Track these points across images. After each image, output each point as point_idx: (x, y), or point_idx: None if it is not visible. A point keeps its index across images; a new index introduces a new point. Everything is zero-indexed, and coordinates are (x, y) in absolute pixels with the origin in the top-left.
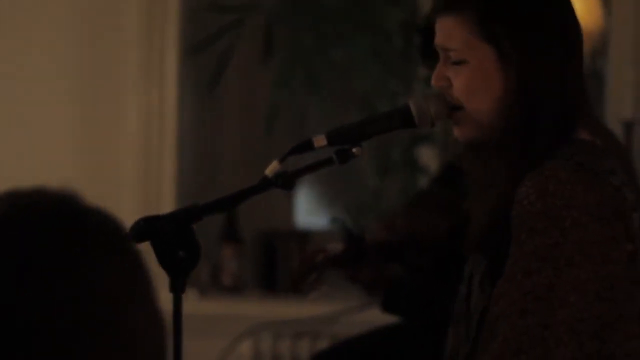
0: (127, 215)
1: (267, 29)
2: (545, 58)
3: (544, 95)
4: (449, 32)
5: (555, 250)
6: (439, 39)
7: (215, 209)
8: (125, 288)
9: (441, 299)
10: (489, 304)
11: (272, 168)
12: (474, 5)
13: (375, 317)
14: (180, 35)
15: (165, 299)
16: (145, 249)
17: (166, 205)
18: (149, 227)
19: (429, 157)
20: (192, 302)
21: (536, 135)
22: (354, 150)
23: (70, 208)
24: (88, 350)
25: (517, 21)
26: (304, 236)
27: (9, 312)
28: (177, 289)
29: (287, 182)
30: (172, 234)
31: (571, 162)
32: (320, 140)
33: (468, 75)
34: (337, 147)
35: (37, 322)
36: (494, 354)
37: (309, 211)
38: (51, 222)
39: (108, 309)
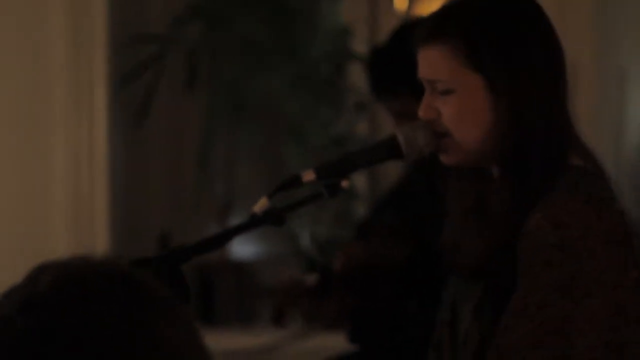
0: (60, 252)
1: (189, 59)
2: (534, 84)
3: (535, 122)
4: (435, 63)
5: (573, 282)
6: (424, 71)
7: (203, 249)
8: (185, 348)
9: (402, 324)
10: (488, 334)
11: (260, 205)
12: (460, 33)
13: (316, 345)
14: (107, 68)
15: None
16: None
17: (99, 240)
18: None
19: (359, 183)
20: None
21: (532, 164)
22: (342, 183)
23: (120, 276)
24: None
25: (504, 48)
26: (239, 267)
27: None
28: None
29: (277, 218)
30: (160, 277)
31: (580, 193)
32: (308, 175)
33: (457, 105)
34: (325, 181)
35: None
36: None
37: (241, 240)
38: (107, 293)
39: None
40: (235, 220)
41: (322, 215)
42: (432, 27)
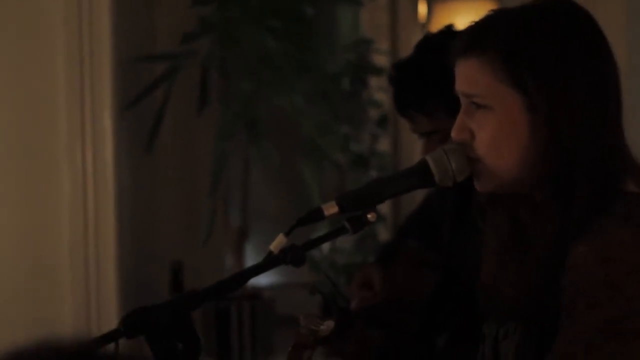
0: (66, 280)
1: (202, 76)
2: (579, 104)
3: (579, 146)
4: (472, 76)
5: (622, 323)
6: (461, 84)
7: (215, 294)
8: None
9: None
10: None
11: (277, 242)
12: (499, 45)
13: None
14: (113, 89)
15: None
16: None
17: (106, 271)
18: (143, 319)
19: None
20: None
21: (576, 191)
22: (368, 216)
23: None
24: None
25: (546, 63)
26: (255, 296)
27: None
28: None
29: (295, 258)
30: (169, 326)
31: (631, 222)
32: (330, 208)
33: (494, 126)
34: (349, 214)
35: None
36: None
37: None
38: None
39: None
40: (251, 246)
41: (342, 239)
42: (471, 39)
